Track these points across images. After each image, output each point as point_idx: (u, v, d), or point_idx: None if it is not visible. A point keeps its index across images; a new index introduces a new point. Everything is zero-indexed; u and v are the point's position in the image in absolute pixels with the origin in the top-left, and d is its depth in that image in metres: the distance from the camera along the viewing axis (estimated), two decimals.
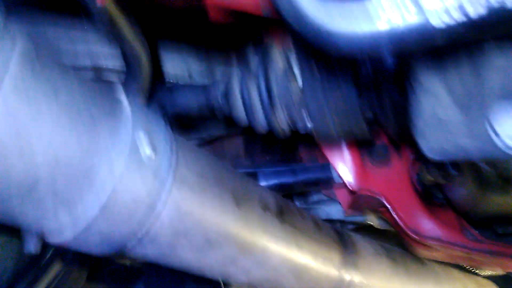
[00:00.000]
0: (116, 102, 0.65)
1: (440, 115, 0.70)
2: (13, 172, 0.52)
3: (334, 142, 0.99)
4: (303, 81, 0.91)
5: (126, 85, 1.02)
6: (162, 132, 0.69)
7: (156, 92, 1.15)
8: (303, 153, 1.60)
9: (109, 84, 1.27)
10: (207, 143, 1.70)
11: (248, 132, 1.75)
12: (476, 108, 0.66)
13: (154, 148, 0.65)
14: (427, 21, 0.49)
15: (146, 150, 0.64)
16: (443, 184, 1.09)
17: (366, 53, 0.51)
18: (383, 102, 0.89)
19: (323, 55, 0.88)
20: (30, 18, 1.22)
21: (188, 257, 0.79)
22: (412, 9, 0.49)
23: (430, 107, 0.70)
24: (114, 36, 0.84)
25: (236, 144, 1.74)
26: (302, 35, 0.52)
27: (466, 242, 1.19)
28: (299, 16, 0.51)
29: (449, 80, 0.66)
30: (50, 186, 0.56)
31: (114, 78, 1.32)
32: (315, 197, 1.60)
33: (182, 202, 0.71)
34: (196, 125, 1.42)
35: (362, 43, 0.51)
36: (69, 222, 0.61)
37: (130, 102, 0.67)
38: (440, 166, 0.97)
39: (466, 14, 0.47)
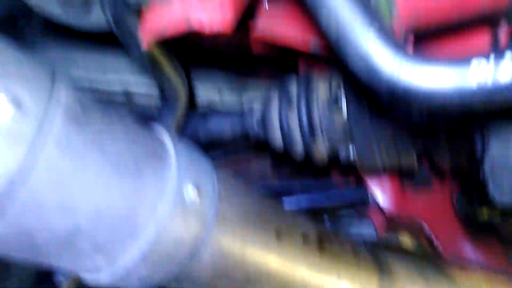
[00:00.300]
0: (160, 143, 0.60)
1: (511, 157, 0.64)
2: (53, 224, 0.48)
3: (377, 171, 0.93)
4: (349, 114, 0.86)
5: (162, 116, 0.99)
6: (205, 171, 0.65)
7: (189, 119, 1.11)
8: (336, 175, 1.53)
9: (150, 124, 1.24)
10: (233, 162, 1.65)
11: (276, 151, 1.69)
12: None
13: (198, 187, 0.61)
14: None
15: (191, 193, 0.60)
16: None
17: (448, 109, 0.46)
18: (438, 140, 0.83)
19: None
20: (61, 44, 1.20)
21: None
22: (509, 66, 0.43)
23: (501, 151, 0.64)
24: (156, 74, 0.80)
25: (263, 164, 1.68)
26: (374, 90, 0.47)
27: (510, 268, 1.12)
28: (375, 75, 0.45)
29: None
30: (90, 238, 0.52)
31: (145, 102, 1.27)
32: (344, 211, 1.54)
33: (224, 243, 0.67)
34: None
35: (446, 100, 0.45)
36: (106, 264, 0.58)
37: (173, 142, 0.63)
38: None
39: None
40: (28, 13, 1.36)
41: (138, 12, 0.66)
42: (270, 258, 0.75)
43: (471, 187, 1.10)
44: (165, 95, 0.92)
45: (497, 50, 0.44)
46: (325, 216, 1.62)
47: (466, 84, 0.44)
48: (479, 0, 0.52)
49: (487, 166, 0.65)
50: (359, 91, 0.84)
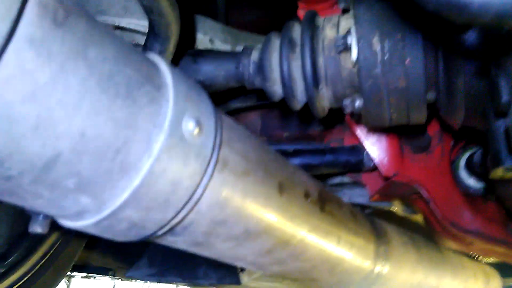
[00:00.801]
0: (156, 69, 0.52)
1: None
2: (25, 144, 0.39)
3: (382, 126, 0.87)
4: (359, 53, 0.78)
5: (148, 46, 0.89)
6: (206, 104, 0.57)
7: (177, 61, 1.02)
8: (327, 131, 1.48)
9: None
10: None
11: (265, 105, 1.62)
12: None
13: (198, 122, 0.53)
14: None
15: (189, 125, 0.51)
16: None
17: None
18: (454, 85, 0.76)
19: (393, 22, 0.74)
20: None
21: (222, 247, 0.68)
22: None
23: None
24: None
25: (252, 119, 1.62)
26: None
27: (508, 237, 1.10)
28: None
29: None
30: (72, 165, 0.43)
31: (126, 38, 1.18)
32: (336, 179, 1.49)
33: (223, 187, 0.59)
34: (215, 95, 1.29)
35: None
36: (91, 206, 0.49)
37: (169, 67, 0.54)
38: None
39: None
40: None
41: None
42: (271, 211, 0.68)
43: (484, 147, 1.05)
44: (154, 28, 0.82)
45: None
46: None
47: None
48: None
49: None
50: (372, 30, 0.76)
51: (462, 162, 1.23)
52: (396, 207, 1.44)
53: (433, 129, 1.18)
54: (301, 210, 0.76)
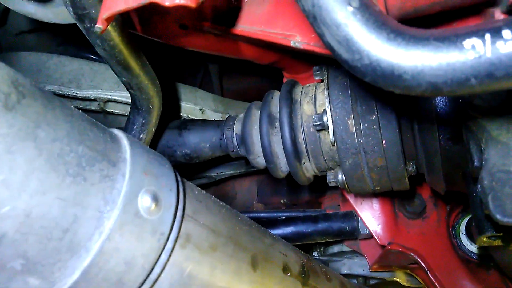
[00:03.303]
0: (113, 145, 0.53)
1: None
2: None
3: (367, 193, 0.85)
4: (335, 133, 0.78)
5: (131, 119, 0.91)
6: (167, 177, 0.57)
7: (163, 132, 1.04)
8: (323, 197, 1.45)
9: (108, 118, 1.18)
10: (217, 183, 1.58)
11: (262, 171, 1.62)
12: None
13: (155, 197, 0.52)
14: None
15: (145, 200, 0.51)
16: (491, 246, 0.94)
17: (441, 89, 0.39)
18: (431, 152, 0.76)
19: (366, 103, 0.76)
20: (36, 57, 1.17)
21: None
22: (508, 34, 0.36)
23: (500, 158, 0.57)
24: (119, 67, 0.73)
25: (248, 185, 1.61)
26: (355, 69, 0.40)
27: None
28: (356, 48, 0.39)
29: None
30: (18, 246, 0.43)
31: (120, 110, 1.23)
32: (335, 248, 1.43)
33: (186, 264, 0.57)
34: (204, 162, 1.30)
35: (436, 77, 0.39)
36: None
37: (129, 141, 0.55)
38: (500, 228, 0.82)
39: None
40: (3, 19, 1.34)
41: None
42: None
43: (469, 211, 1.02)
44: (136, 102, 0.85)
45: (492, 29, 0.38)
46: (315, 253, 1.51)
47: (459, 58, 0.37)
48: None
49: (486, 180, 0.57)
50: (347, 112, 0.77)
51: (462, 227, 1.18)
52: (399, 278, 1.36)
53: (428, 193, 1.16)
54: (278, 286, 0.72)
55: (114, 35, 0.66)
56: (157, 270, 0.53)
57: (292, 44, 0.73)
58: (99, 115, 1.24)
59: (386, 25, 0.41)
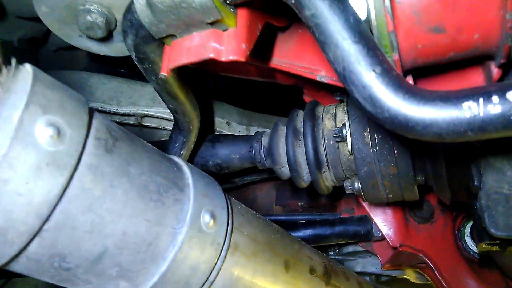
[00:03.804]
0: (179, 174, 0.65)
1: (505, 190, 0.68)
2: (83, 244, 0.52)
3: (381, 202, 0.97)
4: (352, 144, 0.90)
5: (173, 138, 1.04)
6: (220, 198, 0.69)
7: (199, 145, 1.17)
8: (339, 201, 1.57)
9: (143, 131, 1.31)
10: (238, 187, 1.70)
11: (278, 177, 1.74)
12: None
13: (213, 216, 0.65)
14: (510, 112, 0.48)
15: (206, 218, 0.64)
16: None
17: (444, 138, 0.51)
18: (438, 170, 0.87)
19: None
20: (78, 74, 1.29)
21: None
22: (496, 99, 0.48)
23: (495, 182, 0.68)
24: (170, 101, 0.86)
25: (267, 189, 1.73)
26: (378, 119, 0.52)
27: None
28: (379, 104, 0.51)
29: None
30: (115, 257, 0.55)
31: (154, 123, 1.36)
32: (350, 248, 1.55)
33: (235, 268, 0.70)
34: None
35: (441, 129, 0.50)
36: None
37: (190, 168, 0.68)
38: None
39: None
40: (45, 37, 1.47)
41: (159, 41, 0.72)
42: (278, 287, 0.78)
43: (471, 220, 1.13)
44: (179, 124, 0.97)
45: (485, 93, 0.50)
46: (331, 252, 1.64)
47: (459, 115, 0.49)
48: (471, 39, 0.58)
49: (483, 199, 0.69)
50: (363, 126, 0.89)
51: (467, 230, 1.29)
52: (409, 276, 1.48)
53: (435, 200, 1.27)
54: (307, 285, 0.84)
55: (171, 76, 0.78)
56: (214, 273, 0.66)
57: (318, 78, 0.84)
58: (135, 128, 1.37)
59: (403, 87, 0.53)
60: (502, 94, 0.49)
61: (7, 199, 0.46)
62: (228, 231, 0.68)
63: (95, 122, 0.55)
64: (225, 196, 0.72)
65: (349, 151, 0.92)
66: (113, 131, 0.58)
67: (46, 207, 0.48)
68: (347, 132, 0.91)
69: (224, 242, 0.67)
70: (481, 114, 0.49)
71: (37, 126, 0.47)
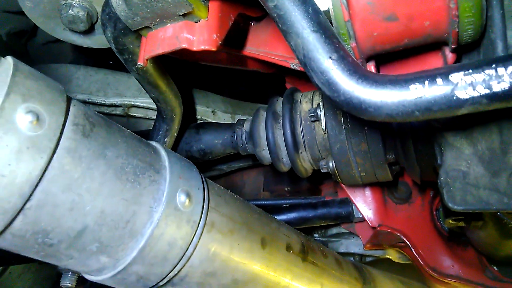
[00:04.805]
0: (156, 156, 0.70)
1: (462, 167, 0.73)
2: (64, 221, 0.56)
3: (356, 183, 1.02)
4: (326, 123, 0.95)
5: (156, 126, 1.08)
6: (195, 179, 0.74)
7: (184, 133, 1.21)
8: (322, 185, 1.63)
9: (130, 121, 1.35)
10: (227, 174, 1.75)
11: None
12: (498, 163, 0.69)
13: (188, 195, 0.70)
14: (453, 93, 0.52)
15: (181, 197, 0.68)
16: (464, 226, 1.11)
17: (395, 118, 0.55)
18: (407, 151, 0.92)
19: None
20: (65, 68, 1.32)
21: None
22: (440, 81, 0.53)
23: (453, 160, 0.73)
24: (151, 90, 0.90)
25: (255, 176, 1.78)
26: (335, 102, 0.57)
27: (486, 280, 1.19)
28: (335, 88, 0.55)
29: (473, 136, 0.69)
30: (95, 233, 0.60)
31: (141, 114, 1.40)
32: (334, 230, 1.62)
33: (211, 244, 0.74)
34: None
35: (391, 110, 0.55)
36: (109, 263, 0.65)
37: (167, 152, 0.72)
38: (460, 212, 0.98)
39: (490, 87, 0.51)
40: (34, 31, 1.50)
41: (136, 33, 0.76)
42: (255, 263, 0.83)
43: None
44: (161, 112, 1.01)
45: (430, 76, 0.54)
46: (315, 234, 1.69)
47: (406, 97, 0.54)
48: (422, 26, 0.62)
49: (442, 176, 0.74)
50: (337, 112, 0.94)
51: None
52: (391, 256, 1.54)
53: (413, 182, 1.32)
54: (283, 261, 0.89)
55: (148, 65, 0.82)
56: (191, 249, 0.70)
57: (291, 66, 0.89)
58: (122, 119, 1.41)
59: (357, 72, 0.57)
60: (445, 76, 0.53)
61: None
62: (204, 210, 0.73)
63: (73, 109, 0.59)
64: (202, 178, 0.77)
65: (323, 130, 0.97)
66: (91, 118, 0.62)
67: (27, 187, 0.52)
68: (321, 112, 0.96)
69: (200, 219, 0.72)
70: (427, 95, 0.54)
71: (17, 113, 0.51)
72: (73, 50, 1.62)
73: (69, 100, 0.59)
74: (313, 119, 1.00)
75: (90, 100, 1.32)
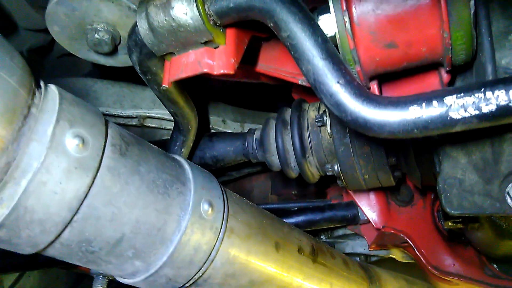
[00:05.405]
0: (181, 170, 0.77)
1: (459, 175, 0.80)
2: (105, 231, 0.64)
3: (360, 187, 1.09)
4: (331, 126, 1.03)
5: (173, 138, 1.16)
6: (216, 189, 0.81)
7: (198, 142, 1.29)
8: (328, 189, 1.70)
9: (145, 131, 1.43)
10: (236, 179, 1.83)
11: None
12: (491, 172, 0.76)
13: (211, 205, 0.77)
14: (447, 113, 0.60)
15: (205, 207, 0.76)
16: (463, 227, 1.18)
17: (396, 135, 0.63)
18: (409, 159, 0.99)
19: None
20: (83, 81, 1.40)
21: None
22: (435, 103, 0.60)
23: (450, 168, 0.80)
24: (171, 107, 0.97)
25: (263, 180, 1.86)
26: (343, 121, 0.64)
27: (485, 278, 1.26)
28: (343, 109, 0.63)
29: (468, 148, 0.77)
30: (131, 241, 0.67)
31: (155, 124, 1.47)
32: (340, 232, 1.69)
33: (231, 249, 0.82)
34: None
35: (393, 128, 0.62)
36: (142, 267, 0.73)
37: (190, 165, 0.79)
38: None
39: (479, 109, 0.58)
40: (51, 45, 1.57)
41: (159, 57, 0.84)
42: (270, 265, 0.90)
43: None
44: (178, 125, 1.09)
45: (427, 98, 0.62)
46: (322, 236, 1.77)
47: (406, 117, 0.61)
48: (419, 52, 0.70)
49: (440, 183, 0.81)
50: (343, 124, 1.01)
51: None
52: (395, 255, 1.61)
53: (414, 185, 1.39)
54: (295, 263, 0.97)
55: (171, 87, 0.90)
56: (213, 253, 0.78)
57: (300, 82, 0.96)
58: (138, 129, 1.48)
59: (362, 95, 0.64)
60: (440, 99, 0.61)
61: (46, 197, 0.57)
62: (224, 217, 0.80)
63: (110, 131, 0.67)
64: (221, 188, 0.84)
65: (329, 134, 1.04)
66: (125, 137, 0.69)
67: (75, 202, 0.60)
68: (327, 117, 1.03)
69: (221, 226, 0.79)
70: (424, 116, 0.61)
71: (66, 137, 0.59)
72: (88, 64, 1.70)
73: (107, 122, 0.67)
74: (319, 124, 1.07)
75: (108, 112, 1.39)
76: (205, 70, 0.76)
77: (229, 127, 1.54)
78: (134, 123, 1.45)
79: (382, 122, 0.63)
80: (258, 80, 1.21)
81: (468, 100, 0.59)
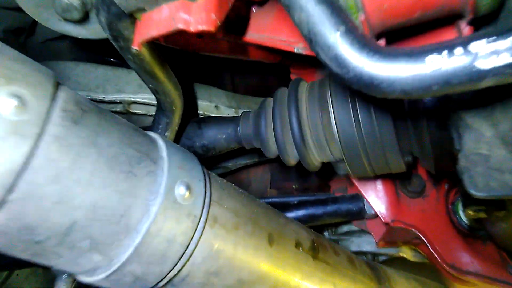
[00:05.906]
0: (153, 146, 0.65)
1: (484, 150, 0.67)
2: (51, 216, 0.52)
3: (366, 174, 0.96)
4: (335, 114, 0.90)
5: (156, 120, 1.04)
6: (196, 171, 0.69)
7: (185, 127, 1.17)
8: (332, 181, 1.57)
9: (131, 118, 1.31)
10: (232, 172, 1.70)
11: (274, 160, 1.74)
12: None
13: (188, 188, 0.65)
14: (474, 63, 0.47)
15: (180, 190, 0.63)
16: (484, 219, 1.04)
17: (410, 94, 0.50)
18: (421, 137, 0.86)
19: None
20: (64, 64, 1.29)
21: None
22: (459, 51, 0.47)
23: (473, 143, 0.67)
24: (147, 76, 0.85)
25: (262, 173, 1.73)
26: (344, 80, 0.51)
27: (508, 277, 1.13)
28: (344, 64, 0.50)
29: (494, 116, 0.64)
30: (86, 229, 0.55)
31: (142, 110, 1.35)
32: (345, 228, 1.56)
33: (214, 241, 0.70)
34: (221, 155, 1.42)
35: (406, 85, 0.50)
36: (102, 263, 0.61)
37: (165, 142, 0.67)
38: (481, 201, 0.92)
39: None
40: (32, 29, 1.47)
41: (131, 17, 0.72)
42: (262, 261, 0.78)
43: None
44: (161, 104, 0.97)
45: (448, 46, 0.49)
46: (326, 233, 1.64)
47: (422, 70, 0.48)
48: None
49: (462, 161, 0.68)
50: (345, 96, 0.88)
51: (461, 203, 1.29)
52: (405, 254, 1.48)
53: (427, 174, 1.26)
54: (292, 259, 0.84)
55: (144, 51, 0.78)
56: (192, 246, 0.66)
57: (295, 50, 0.84)
58: (123, 116, 1.36)
59: (367, 45, 0.52)
60: (465, 45, 0.48)
61: None
62: (206, 203, 0.68)
63: (62, 94, 0.55)
64: (203, 170, 0.72)
65: (330, 116, 0.91)
66: (82, 104, 0.57)
67: (10, 177, 0.48)
68: (328, 98, 0.91)
69: (202, 214, 0.67)
70: (444, 67, 0.48)
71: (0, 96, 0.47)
72: (72, 48, 1.59)
73: (58, 85, 0.55)
74: (321, 110, 0.94)
75: (89, 96, 1.28)
76: (180, 26, 0.64)
77: (223, 113, 1.41)
78: (118, 109, 1.33)
79: (392, 78, 0.51)
80: (248, 57, 1.08)
81: (502, 44, 0.46)
